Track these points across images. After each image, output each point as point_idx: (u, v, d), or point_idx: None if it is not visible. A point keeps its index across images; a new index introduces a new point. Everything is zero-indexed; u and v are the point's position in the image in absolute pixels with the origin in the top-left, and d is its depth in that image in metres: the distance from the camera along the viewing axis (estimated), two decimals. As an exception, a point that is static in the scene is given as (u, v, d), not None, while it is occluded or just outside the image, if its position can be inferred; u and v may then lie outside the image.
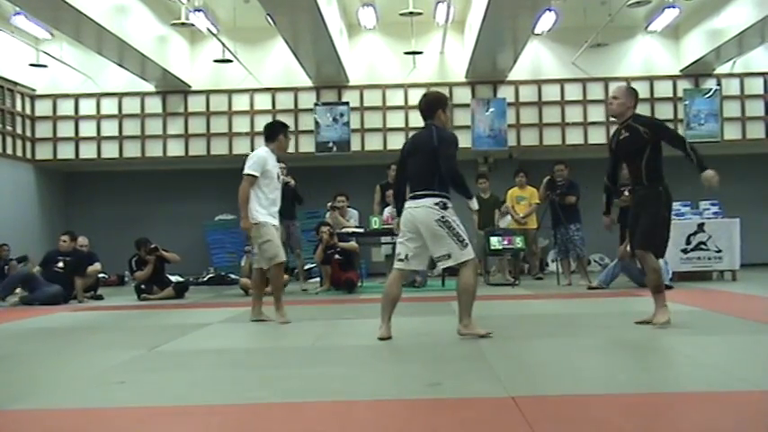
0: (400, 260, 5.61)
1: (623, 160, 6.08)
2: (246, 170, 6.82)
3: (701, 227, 11.18)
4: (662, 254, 5.95)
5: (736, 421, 3.10)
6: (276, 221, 7.00)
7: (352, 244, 11.08)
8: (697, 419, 3.16)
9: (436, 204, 5.38)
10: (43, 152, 15.45)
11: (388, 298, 5.64)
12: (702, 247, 11.12)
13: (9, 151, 14.60)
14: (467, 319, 5.50)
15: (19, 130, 14.97)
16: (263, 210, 6.84)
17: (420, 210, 5.42)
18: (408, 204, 5.54)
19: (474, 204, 5.68)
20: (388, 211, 11.48)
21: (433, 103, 5.63)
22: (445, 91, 15.28)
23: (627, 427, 3.01)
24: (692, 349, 4.92)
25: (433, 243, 5.43)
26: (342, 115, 15.16)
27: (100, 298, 10.59)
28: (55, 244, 10.87)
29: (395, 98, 15.37)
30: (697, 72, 15.15)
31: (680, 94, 15.23)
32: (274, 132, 7.09)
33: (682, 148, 5.84)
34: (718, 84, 15.22)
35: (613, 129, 6.38)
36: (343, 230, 11.29)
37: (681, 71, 15.21)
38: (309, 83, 15.21)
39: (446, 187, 5.47)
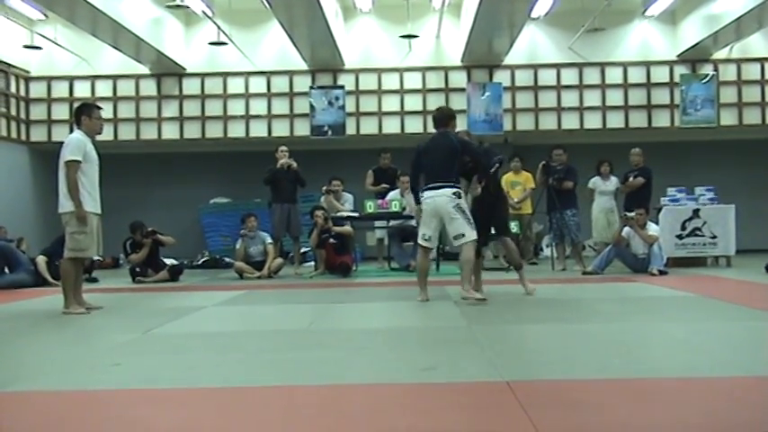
0: (426, 240, 6.96)
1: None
2: (69, 157, 6.62)
3: (696, 213, 11.19)
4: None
5: (730, 406, 3.12)
6: (97, 208, 6.85)
7: (347, 228, 11.08)
8: (688, 405, 3.18)
9: (453, 194, 6.71)
10: (38, 134, 15.38)
11: (422, 270, 7.09)
12: (697, 232, 11.13)
13: (4, 133, 14.53)
14: (467, 284, 6.71)
15: (13, 112, 14.89)
16: (86, 195, 6.68)
17: (440, 198, 6.72)
18: (429, 194, 6.82)
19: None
20: (392, 195, 11.46)
21: (447, 116, 7.16)
22: (441, 75, 15.35)
23: (620, 412, 3.02)
24: (686, 335, 4.95)
25: (451, 225, 6.74)
26: (337, 99, 15.10)
27: (95, 280, 10.58)
28: (50, 226, 10.84)
29: (390, 82, 15.31)
30: (694, 57, 15.10)
31: (677, 79, 15.18)
32: (77, 117, 6.94)
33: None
34: (715, 69, 15.19)
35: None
36: (338, 214, 11.28)
37: (678, 56, 15.16)
38: (305, 66, 15.14)
39: (459, 180, 6.89)
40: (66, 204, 6.70)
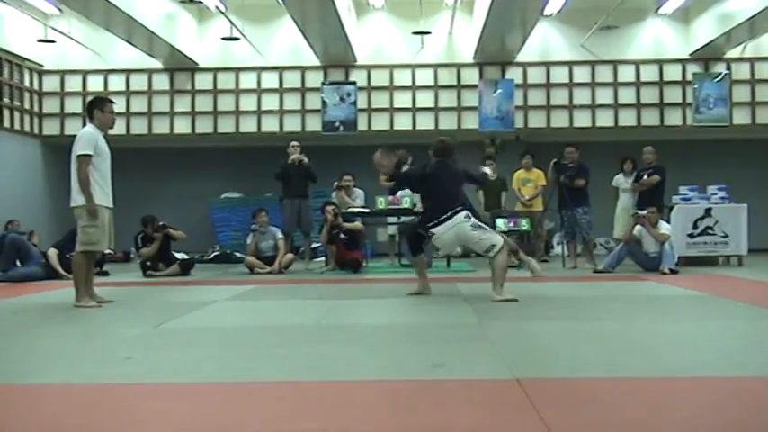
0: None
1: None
2: (80, 151, 6.63)
3: (708, 212, 11.14)
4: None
5: (739, 407, 3.10)
6: (109, 201, 6.86)
7: (357, 224, 11.08)
8: (699, 404, 3.17)
9: (465, 217, 6.82)
10: (51, 128, 15.45)
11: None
12: (709, 231, 11.08)
13: (17, 126, 14.61)
14: (498, 288, 6.67)
15: (27, 106, 14.97)
16: (98, 189, 6.69)
17: (458, 227, 6.78)
18: (443, 228, 6.79)
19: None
20: (401, 193, 11.45)
21: (451, 150, 7.31)
22: (453, 71, 15.34)
23: (631, 410, 3.01)
24: (697, 334, 4.93)
25: (478, 246, 6.82)
26: (349, 95, 15.10)
27: (106, 274, 10.62)
28: (62, 220, 10.88)
29: (402, 78, 15.30)
30: (707, 56, 15.03)
31: (689, 77, 15.12)
32: (89, 110, 6.96)
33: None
34: (728, 68, 15.11)
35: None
36: (349, 210, 11.28)
37: (690, 55, 15.10)
38: (317, 62, 15.14)
39: (466, 202, 7.25)
40: (77, 198, 6.73)
